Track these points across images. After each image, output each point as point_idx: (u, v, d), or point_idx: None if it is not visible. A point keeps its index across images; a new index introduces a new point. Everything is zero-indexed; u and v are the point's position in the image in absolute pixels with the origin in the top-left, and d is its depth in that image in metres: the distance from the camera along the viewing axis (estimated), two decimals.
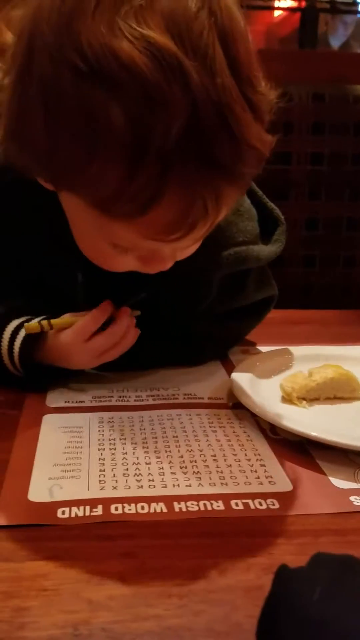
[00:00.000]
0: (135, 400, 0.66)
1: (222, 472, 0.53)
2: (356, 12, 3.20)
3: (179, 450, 0.56)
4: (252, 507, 0.48)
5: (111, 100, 0.42)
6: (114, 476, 0.52)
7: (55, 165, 0.47)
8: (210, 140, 0.43)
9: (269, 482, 0.52)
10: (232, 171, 0.46)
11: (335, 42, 3.06)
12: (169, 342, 0.72)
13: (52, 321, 0.63)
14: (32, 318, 0.66)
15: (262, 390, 0.65)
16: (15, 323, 0.66)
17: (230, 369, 0.74)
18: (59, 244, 0.60)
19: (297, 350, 0.75)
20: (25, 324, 0.62)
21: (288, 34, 3.18)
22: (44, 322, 0.62)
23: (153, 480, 0.51)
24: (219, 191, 0.46)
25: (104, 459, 0.54)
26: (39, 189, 0.54)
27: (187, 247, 0.55)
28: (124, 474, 0.52)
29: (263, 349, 0.81)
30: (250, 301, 0.76)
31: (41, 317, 0.65)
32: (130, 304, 0.67)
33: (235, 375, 0.66)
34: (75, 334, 0.63)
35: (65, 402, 0.65)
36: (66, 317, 0.64)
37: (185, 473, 0.52)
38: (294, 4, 3.24)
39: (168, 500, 0.49)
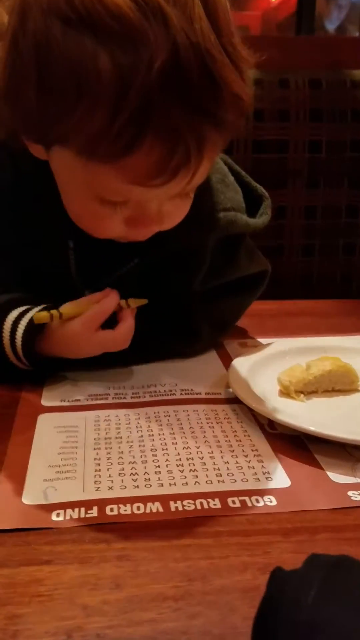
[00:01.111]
0: (132, 397, 0.65)
1: (219, 470, 0.52)
2: None
3: (175, 448, 0.55)
4: (249, 504, 0.48)
5: (99, 46, 0.45)
6: (109, 476, 0.51)
7: (46, 115, 0.50)
8: (191, 81, 0.46)
9: (266, 478, 0.51)
10: (214, 115, 0.48)
11: (331, 26, 3.02)
12: (167, 326, 0.71)
13: (62, 310, 0.62)
14: (31, 308, 0.65)
15: (260, 384, 0.64)
16: (15, 313, 0.65)
17: (227, 362, 0.73)
18: (49, 214, 0.61)
19: (294, 342, 0.74)
20: (34, 315, 0.62)
21: (285, 18, 3.14)
22: (54, 312, 0.62)
23: (149, 480, 0.51)
24: (201, 135, 0.48)
25: (99, 459, 0.54)
26: (28, 161, 0.57)
27: (171, 206, 0.56)
28: (119, 474, 0.51)
29: (261, 341, 0.80)
30: (244, 273, 0.76)
31: (44, 306, 0.65)
32: (123, 272, 0.67)
33: (232, 369, 0.65)
34: (84, 325, 0.63)
35: (61, 400, 0.65)
36: (74, 306, 0.64)
37: (181, 471, 0.52)
38: None
39: (164, 499, 0.48)
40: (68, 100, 0.47)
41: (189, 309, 0.72)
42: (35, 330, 0.63)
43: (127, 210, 0.56)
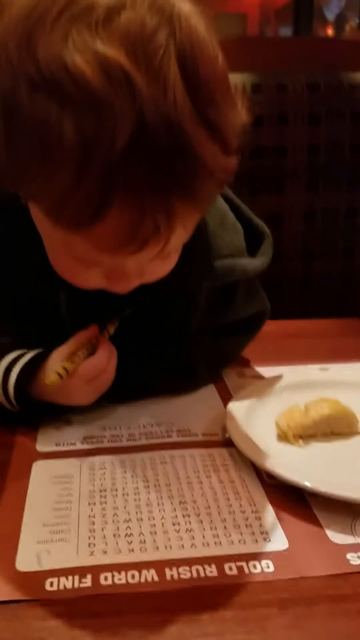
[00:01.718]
0: (127, 440, 0.64)
1: (216, 529, 0.51)
2: None
3: (171, 503, 0.55)
4: (246, 571, 0.47)
5: (63, 113, 0.42)
6: (104, 537, 0.50)
7: (15, 171, 0.48)
8: (158, 157, 0.43)
9: (264, 539, 0.50)
10: (184, 191, 0.45)
11: (330, 15, 2.97)
12: (162, 365, 0.70)
13: (66, 366, 0.61)
14: (24, 354, 0.65)
15: (258, 427, 0.63)
16: (7, 360, 0.65)
17: (225, 395, 0.72)
18: (39, 263, 0.59)
19: (291, 375, 0.73)
20: (47, 380, 0.61)
21: (282, 5, 3.09)
22: (62, 371, 0.61)
23: (144, 542, 0.50)
24: (170, 209, 0.46)
25: (94, 516, 0.53)
26: (15, 207, 0.55)
27: (151, 265, 0.54)
28: (114, 535, 0.51)
29: (258, 369, 0.79)
30: (241, 316, 0.75)
31: (36, 352, 0.64)
32: (115, 321, 0.66)
33: (229, 414, 0.64)
34: (79, 377, 0.63)
35: (56, 444, 0.64)
36: (67, 350, 0.64)
37: (177, 531, 0.51)
38: None
39: (160, 566, 0.47)
40: (33, 163, 0.45)
41: (184, 349, 0.71)
42: (28, 377, 0.62)
43: (104, 268, 0.54)
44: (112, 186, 0.43)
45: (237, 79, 1.15)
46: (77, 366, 0.62)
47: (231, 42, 1.31)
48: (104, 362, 0.64)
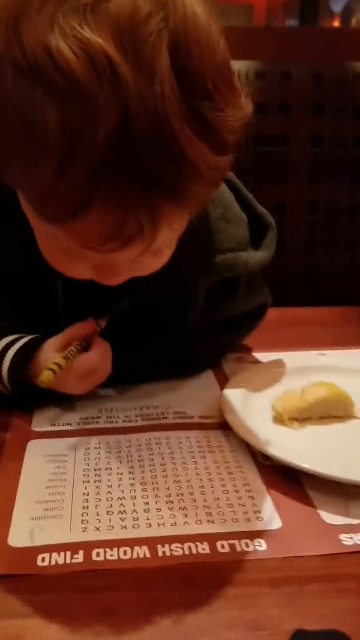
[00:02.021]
0: (123, 421, 0.64)
1: (209, 508, 0.51)
2: None
3: (165, 482, 0.54)
4: (239, 549, 0.47)
5: (46, 100, 0.41)
6: (97, 514, 0.50)
7: (1, 155, 0.46)
8: (142, 151, 0.41)
9: (257, 518, 0.50)
10: (170, 189, 0.43)
11: (337, 7, 2.95)
12: (159, 356, 0.70)
13: (60, 362, 0.60)
14: (19, 338, 0.65)
15: (254, 410, 0.63)
16: (2, 343, 0.65)
17: (222, 380, 0.72)
18: (37, 250, 0.58)
19: (288, 360, 0.73)
20: (40, 378, 0.59)
21: None
22: (55, 367, 0.59)
23: (137, 519, 0.50)
24: (154, 208, 0.44)
25: (87, 494, 0.53)
26: (14, 192, 0.53)
27: (141, 260, 0.51)
28: (107, 512, 0.51)
29: (257, 355, 0.79)
30: (242, 310, 0.74)
31: (30, 337, 0.63)
32: (112, 314, 0.65)
33: (225, 397, 0.64)
34: (73, 372, 0.62)
35: (52, 425, 0.64)
36: (68, 353, 0.62)
37: (171, 509, 0.51)
38: None
39: (152, 542, 0.47)
40: (17, 150, 0.43)
41: (182, 341, 0.70)
42: (22, 362, 0.62)
43: (92, 260, 0.52)
44: (94, 182, 0.41)
45: (241, 67, 1.14)
46: (70, 362, 0.61)
47: (237, 32, 1.31)
48: (98, 359, 0.64)
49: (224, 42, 0.46)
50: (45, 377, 0.58)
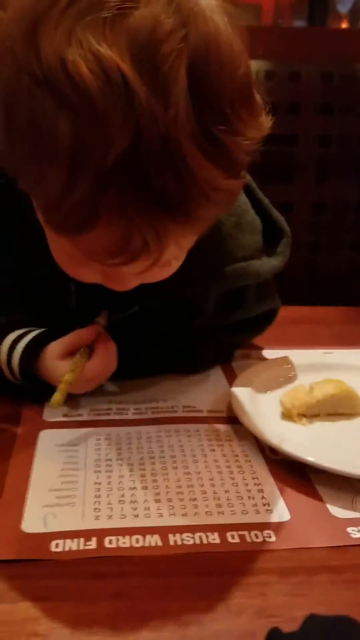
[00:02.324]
0: (134, 414, 0.65)
1: (219, 499, 0.52)
2: None
3: (176, 473, 0.55)
4: (248, 539, 0.48)
5: (59, 112, 0.40)
6: (109, 503, 0.51)
7: (12, 163, 0.46)
8: (150, 172, 0.40)
9: (266, 510, 0.51)
10: (175, 209, 0.42)
11: (343, 8, 2.94)
12: (167, 353, 0.71)
13: (68, 379, 0.61)
14: (29, 331, 0.66)
15: (262, 405, 0.64)
16: (13, 335, 0.65)
17: (230, 376, 0.73)
18: (50, 254, 0.59)
19: (296, 357, 0.74)
20: (51, 401, 0.60)
21: None
22: (63, 388, 0.60)
23: (149, 509, 0.51)
24: (160, 227, 0.44)
25: (99, 483, 0.54)
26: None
27: (149, 272, 0.49)
28: (119, 501, 0.51)
29: (264, 352, 0.80)
30: (250, 315, 0.74)
31: (40, 331, 0.64)
32: (122, 317, 0.66)
33: (234, 391, 0.65)
34: (80, 379, 0.63)
35: (63, 415, 0.64)
36: (75, 366, 0.62)
37: (181, 500, 0.52)
38: None
39: (163, 532, 0.48)
40: (29, 158, 0.43)
41: (190, 342, 0.71)
42: (29, 354, 0.63)
43: (100, 268, 0.52)
44: (101, 199, 0.41)
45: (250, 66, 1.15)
46: (78, 374, 0.62)
47: (245, 30, 1.31)
48: (103, 364, 0.64)
49: (247, 58, 0.44)
50: (55, 401, 0.60)
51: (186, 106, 0.40)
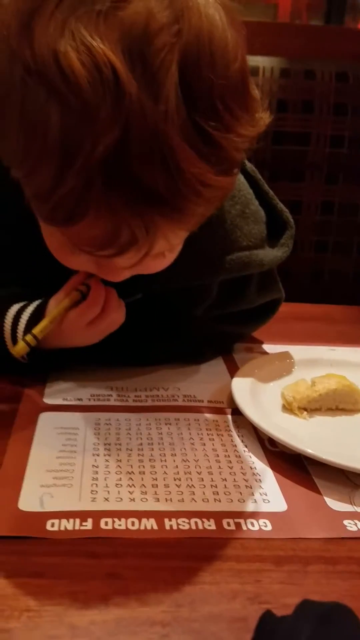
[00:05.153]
0: (134, 401, 0.65)
1: (216, 487, 0.52)
2: None
3: (174, 460, 0.55)
4: (244, 527, 0.48)
5: (50, 103, 0.40)
6: (106, 486, 0.51)
7: (5, 152, 0.46)
8: (139, 167, 0.40)
9: (263, 500, 0.51)
10: (164, 205, 0.42)
11: None
12: (168, 341, 0.71)
13: (34, 331, 0.60)
14: (30, 302, 0.65)
15: (263, 397, 0.64)
16: (16, 307, 0.65)
17: (232, 368, 0.72)
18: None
19: (300, 352, 0.74)
20: (13, 349, 0.60)
21: None
22: (28, 338, 0.60)
23: (146, 493, 0.51)
24: (149, 222, 0.44)
25: (97, 466, 0.54)
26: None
27: (142, 263, 0.49)
28: (116, 484, 0.51)
29: (267, 347, 0.80)
30: (252, 305, 0.74)
31: (36, 304, 0.64)
32: (126, 304, 0.65)
33: (235, 382, 0.65)
34: (71, 323, 0.62)
35: (63, 399, 0.64)
36: (46, 319, 0.61)
37: (178, 486, 0.52)
38: None
39: (159, 516, 0.48)
40: (19, 150, 0.43)
41: (191, 332, 0.71)
42: (34, 325, 0.62)
43: (92, 258, 0.52)
44: (89, 192, 0.41)
45: (265, 63, 1.15)
46: (57, 316, 0.61)
47: (262, 27, 1.31)
48: (95, 305, 0.62)
49: (243, 53, 0.44)
50: (18, 349, 0.59)
51: (177, 101, 0.40)
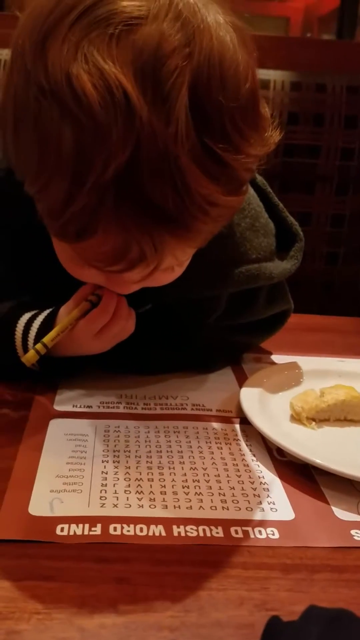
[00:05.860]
0: (143, 409, 0.66)
1: (224, 495, 0.52)
2: None
3: (182, 468, 0.56)
4: (252, 535, 0.48)
5: (63, 122, 0.41)
6: (115, 492, 0.52)
7: (19, 169, 0.48)
8: (149, 187, 0.42)
9: (271, 509, 0.51)
10: (173, 223, 0.44)
11: None
12: (177, 350, 0.71)
13: (45, 340, 0.61)
14: (40, 312, 0.66)
15: (272, 407, 0.64)
16: (27, 316, 0.66)
17: (241, 377, 0.73)
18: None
19: (308, 363, 0.74)
20: (23, 358, 0.61)
21: (327, 13, 3.09)
22: (39, 346, 0.61)
23: (154, 500, 0.51)
24: (157, 240, 0.45)
25: (106, 473, 0.54)
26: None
27: (151, 277, 0.51)
28: (125, 491, 0.52)
29: (275, 357, 0.80)
30: (261, 316, 0.75)
31: (47, 312, 0.65)
32: (136, 315, 0.66)
33: (244, 392, 0.65)
34: (82, 332, 0.63)
35: (73, 406, 0.65)
36: (56, 328, 0.62)
37: (187, 493, 0.52)
38: None
39: (167, 522, 0.49)
40: (34, 166, 0.44)
41: (201, 340, 0.71)
42: (45, 333, 0.63)
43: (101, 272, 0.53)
44: (100, 210, 0.43)
45: (276, 76, 1.16)
46: (68, 325, 0.62)
47: (273, 41, 1.32)
48: (105, 313, 0.62)
49: (254, 73, 0.45)
50: (28, 358, 0.60)
51: (187, 123, 0.41)
